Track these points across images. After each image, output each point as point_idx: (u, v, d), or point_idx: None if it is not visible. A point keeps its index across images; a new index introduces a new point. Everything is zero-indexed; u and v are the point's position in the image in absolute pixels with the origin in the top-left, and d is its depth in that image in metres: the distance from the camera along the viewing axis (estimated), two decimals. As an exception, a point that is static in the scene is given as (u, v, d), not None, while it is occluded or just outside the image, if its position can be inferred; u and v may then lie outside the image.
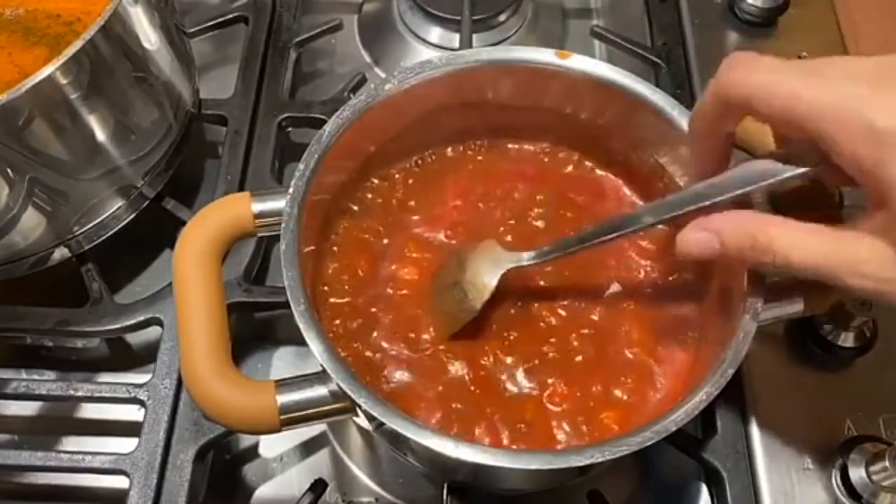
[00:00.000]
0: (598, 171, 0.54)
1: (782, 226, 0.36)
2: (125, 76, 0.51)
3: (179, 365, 0.44)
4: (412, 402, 0.45)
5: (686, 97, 0.65)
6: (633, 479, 0.54)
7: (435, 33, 0.72)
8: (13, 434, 0.56)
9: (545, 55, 0.48)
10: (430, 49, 0.72)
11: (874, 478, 0.46)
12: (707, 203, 0.40)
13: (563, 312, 0.48)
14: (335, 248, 0.50)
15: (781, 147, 0.39)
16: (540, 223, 0.51)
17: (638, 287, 0.50)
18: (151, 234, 0.61)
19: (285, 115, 0.64)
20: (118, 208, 0.56)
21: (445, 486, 0.49)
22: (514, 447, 0.44)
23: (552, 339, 0.47)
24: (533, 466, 0.37)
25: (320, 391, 0.41)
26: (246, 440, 0.56)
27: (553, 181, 0.53)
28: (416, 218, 0.51)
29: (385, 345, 0.47)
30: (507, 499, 0.54)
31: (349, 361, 0.42)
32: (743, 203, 0.40)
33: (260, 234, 0.45)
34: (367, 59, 0.74)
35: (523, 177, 0.53)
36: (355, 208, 0.51)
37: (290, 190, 0.44)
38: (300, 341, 0.40)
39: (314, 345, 0.39)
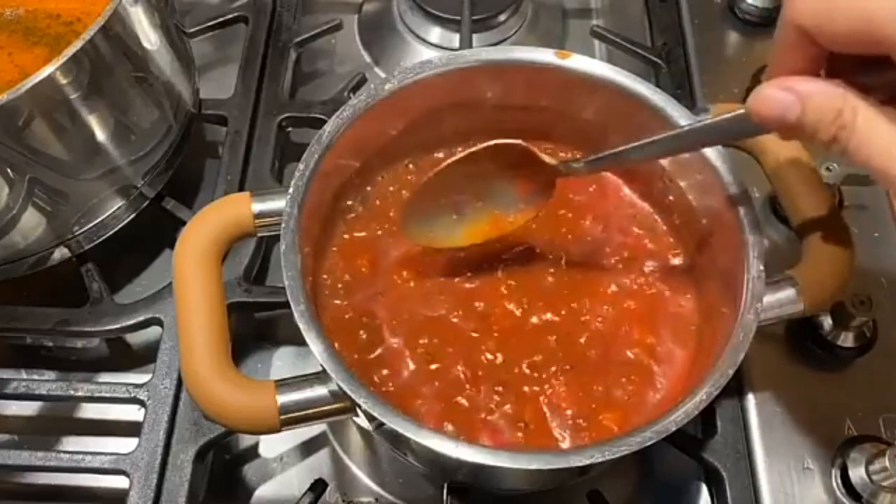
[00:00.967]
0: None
1: (871, 108, 0.33)
2: (125, 76, 0.51)
3: (179, 365, 0.44)
4: (412, 402, 0.45)
5: (686, 97, 0.65)
6: (633, 479, 0.54)
7: (435, 33, 0.72)
8: (13, 434, 0.56)
9: (545, 55, 0.48)
10: (430, 49, 0.72)
11: (874, 478, 0.46)
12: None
13: (563, 313, 0.48)
14: (335, 248, 0.50)
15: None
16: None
17: (638, 287, 0.49)
18: (151, 234, 0.61)
19: (285, 115, 0.64)
20: (118, 208, 0.56)
21: (445, 486, 0.49)
22: (514, 447, 0.44)
23: (552, 340, 0.47)
24: (533, 466, 0.37)
25: (320, 391, 0.41)
26: (246, 440, 0.56)
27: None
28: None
29: (385, 344, 0.47)
30: (507, 499, 0.54)
31: (349, 361, 0.42)
32: None
33: (260, 234, 0.45)
34: (367, 59, 0.74)
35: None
36: (355, 208, 0.51)
37: (290, 190, 0.44)
38: (300, 341, 0.40)
39: (314, 345, 0.39)
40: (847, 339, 0.52)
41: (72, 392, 0.52)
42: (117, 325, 0.54)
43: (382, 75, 0.70)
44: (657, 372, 0.47)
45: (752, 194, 0.44)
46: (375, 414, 0.38)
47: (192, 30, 0.68)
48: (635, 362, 0.47)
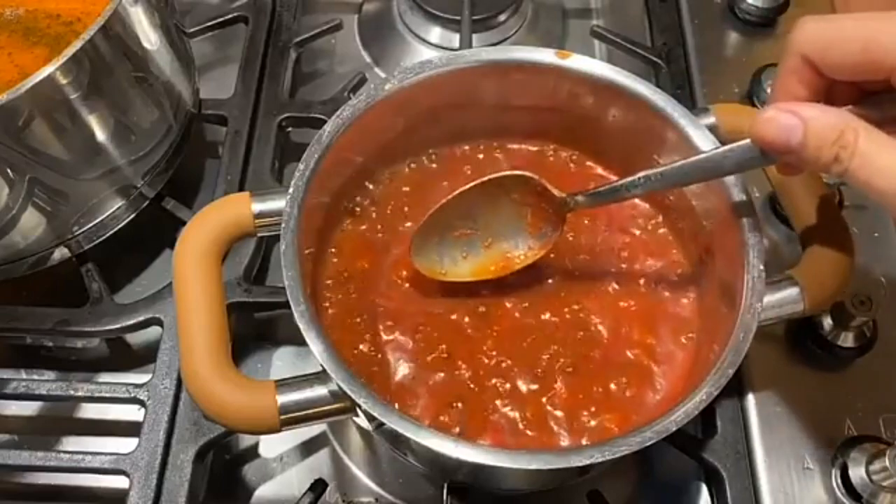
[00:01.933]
0: (599, 171, 0.54)
1: (873, 130, 0.34)
2: (125, 76, 0.51)
3: (179, 365, 0.44)
4: (412, 401, 0.45)
5: (686, 97, 0.65)
6: (633, 479, 0.54)
7: (435, 33, 0.72)
8: (13, 434, 0.56)
9: (545, 55, 0.48)
10: (430, 49, 0.72)
11: (874, 478, 0.46)
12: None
13: (563, 313, 0.48)
14: (335, 248, 0.50)
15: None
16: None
17: (638, 287, 0.49)
18: (151, 234, 0.61)
19: (285, 115, 0.64)
20: (118, 208, 0.56)
21: (445, 486, 0.49)
22: (515, 447, 0.44)
23: (553, 340, 0.47)
24: (533, 466, 0.37)
25: (320, 391, 0.41)
26: (246, 440, 0.56)
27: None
28: (416, 217, 0.51)
29: (385, 345, 0.47)
30: (507, 499, 0.54)
31: (349, 361, 0.42)
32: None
33: (260, 234, 0.45)
34: (367, 59, 0.74)
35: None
36: (355, 208, 0.52)
37: (290, 190, 0.44)
38: (300, 341, 0.40)
39: (314, 345, 0.39)
40: (847, 339, 0.52)
41: (72, 392, 0.52)
42: (117, 325, 0.54)
43: (382, 75, 0.70)
44: (657, 372, 0.47)
45: (752, 194, 0.44)
46: (375, 414, 0.38)
47: (192, 30, 0.68)
48: (635, 363, 0.47)
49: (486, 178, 0.47)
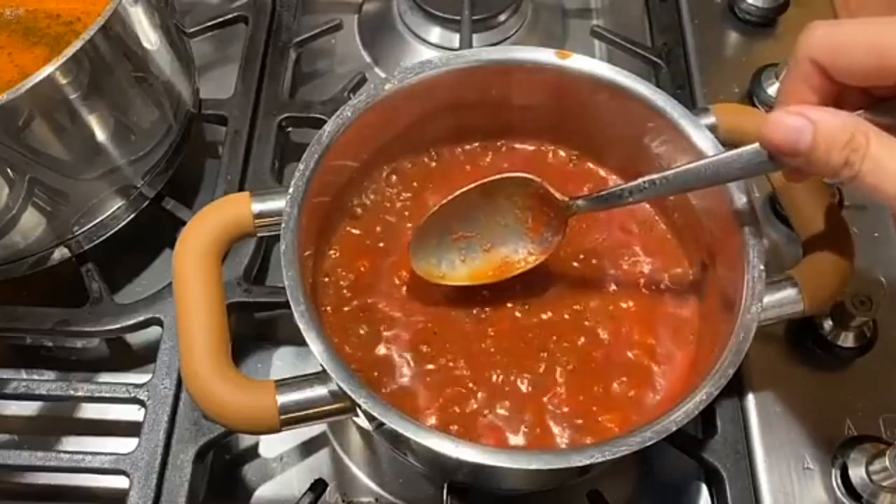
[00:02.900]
0: (599, 171, 0.54)
1: (883, 135, 0.34)
2: (125, 76, 0.51)
3: (179, 365, 0.44)
4: (412, 402, 0.45)
5: (686, 97, 0.65)
6: (633, 479, 0.54)
7: (435, 33, 0.72)
8: (13, 434, 0.56)
9: (545, 55, 0.48)
10: (430, 49, 0.72)
11: (874, 478, 0.46)
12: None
13: (563, 313, 0.48)
14: (335, 248, 0.50)
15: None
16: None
17: (638, 287, 0.49)
18: (151, 234, 0.61)
19: (285, 115, 0.64)
20: (118, 208, 0.56)
21: (445, 486, 0.49)
22: (514, 447, 0.44)
23: (553, 340, 0.47)
24: (533, 466, 0.37)
25: (320, 391, 0.41)
26: (246, 440, 0.56)
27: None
28: (416, 218, 0.51)
29: (385, 345, 0.47)
30: (507, 499, 0.54)
31: (349, 361, 0.42)
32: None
33: (260, 234, 0.45)
34: (367, 59, 0.74)
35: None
36: (355, 208, 0.51)
37: (290, 190, 0.43)
38: (300, 341, 0.40)
39: (314, 345, 0.39)
40: (847, 339, 0.52)
41: (72, 392, 0.52)
42: (117, 325, 0.54)
43: (382, 75, 0.70)
44: (657, 373, 0.47)
45: (752, 194, 0.44)
46: (375, 414, 0.38)
47: (192, 30, 0.68)
48: (635, 363, 0.47)
49: (486, 180, 0.46)
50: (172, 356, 0.52)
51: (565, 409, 0.45)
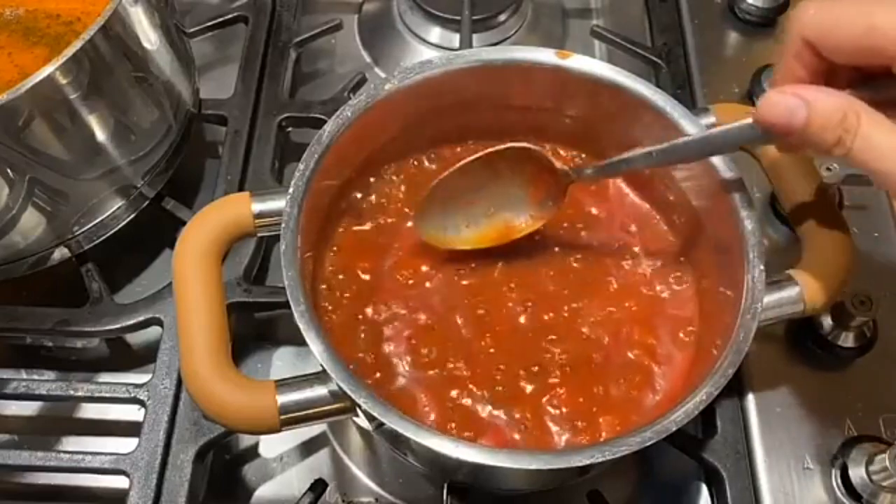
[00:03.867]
0: (599, 171, 0.54)
1: (874, 113, 0.35)
2: (125, 76, 0.51)
3: (179, 365, 0.44)
4: (412, 401, 0.45)
5: (686, 97, 0.65)
6: (633, 479, 0.54)
7: (435, 33, 0.72)
8: (13, 434, 0.56)
9: (545, 55, 0.48)
10: (430, 49, 0.72)
11: (874, 478, 0.46)
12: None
13: (563, 313, 0.48)
14: (335, 248, 0.50)
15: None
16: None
17: (638, 288, 0.49)
18: (151, 234, 0.61)
19: (285, 115, 0.64)
20: (118, 208, 0.56)
21: (445, 486, 0.49)
22: (514, 447, 0.44)
23: (553, 340, 0.47)
24: (533, 466, 0.37)
25: (320, 391, 0.41)
26: (246, 440, 0.56)
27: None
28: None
29: (385, 345, 0.47)
30: (507, 499, 0.54)
31: (349, 361, 0.42)
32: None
33: (260, 234, 0.45)
34: (367, 59, 0.74)
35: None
36: (355, 208, 0.51)
37: (290, 190, 0.43)
38: (300, 341, 0.40)
39: (314, 345, 0.39)
40: (847, 339, 0.52)
41: (72, 392, 0.52)
42: (117, 325, 0.54)
43: (382, 75, 0.70)
44: (657, 373, 0.47)
45: (752, 194, 0.44)
46: (375, 414, 0.38)
47: (192, 30, 0.68)
48: (635, 363, 0.47)
49: (489, 150, 0.47)
50: (172, 356, 0.52)
51: (565, 410, 0.45)
